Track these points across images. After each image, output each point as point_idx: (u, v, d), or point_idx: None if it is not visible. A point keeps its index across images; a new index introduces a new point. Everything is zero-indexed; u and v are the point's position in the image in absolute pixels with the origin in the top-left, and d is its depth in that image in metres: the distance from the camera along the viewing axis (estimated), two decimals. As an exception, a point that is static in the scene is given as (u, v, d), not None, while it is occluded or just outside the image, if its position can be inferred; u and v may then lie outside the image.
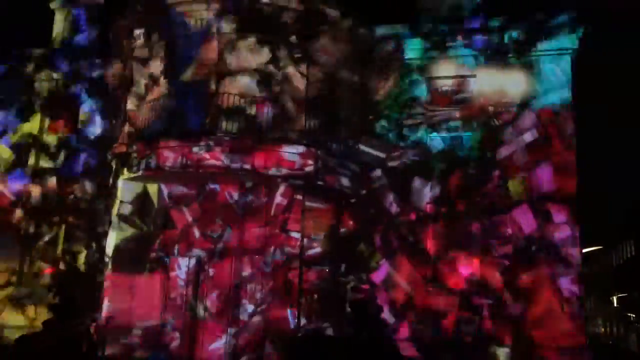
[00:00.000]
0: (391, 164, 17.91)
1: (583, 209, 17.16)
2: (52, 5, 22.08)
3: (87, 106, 20.36)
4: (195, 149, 15.59)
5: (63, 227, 19.75)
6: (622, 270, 45.08)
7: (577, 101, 17.52)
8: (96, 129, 20.07)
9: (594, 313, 49.50)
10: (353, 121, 17.85)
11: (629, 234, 42.62)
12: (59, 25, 21.86)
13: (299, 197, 16.20)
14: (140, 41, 17.67)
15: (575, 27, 17.49)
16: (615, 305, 45.19)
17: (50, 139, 20.66)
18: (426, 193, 17.44)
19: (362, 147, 17.93)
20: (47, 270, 19.53)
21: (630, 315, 41.33)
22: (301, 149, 16.10)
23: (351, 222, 17.32)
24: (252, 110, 16.22)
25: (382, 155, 17.92)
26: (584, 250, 23.68)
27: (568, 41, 17.58)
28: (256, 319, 15.51)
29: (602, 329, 49.23)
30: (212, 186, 16.32)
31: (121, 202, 16.87)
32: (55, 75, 20.79)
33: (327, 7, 17.12)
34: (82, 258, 19.17)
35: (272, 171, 15.88)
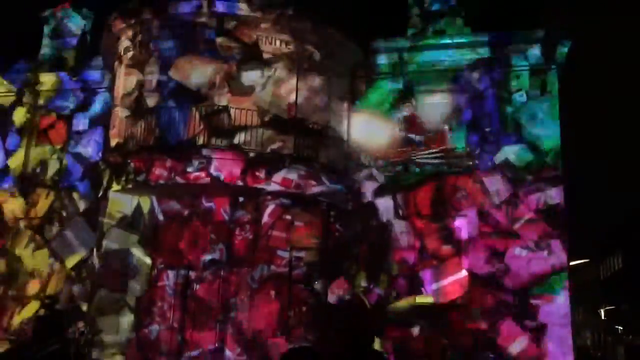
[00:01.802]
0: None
1: (570, 222, 17.37)
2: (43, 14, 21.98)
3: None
4: (185, 163, 15.49)
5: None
6: (610, 283, 45.35)
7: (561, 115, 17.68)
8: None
9: (581, 325, 49.64)
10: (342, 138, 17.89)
11: (616, 247, 42.92)
12: (47, 37, 21.76)
13: (288, 211, 16.13)
14: (130, 52, 17.59)
15: (561, 41, 17.66)
16: (603, 317, 45.39)
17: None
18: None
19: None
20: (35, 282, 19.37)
21: (618, 328, 41.52)
22: (292, 171, 16.05)
23: (337, 236, 17.30)
24: (243, 126, 16.14)
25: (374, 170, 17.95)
26: (572, 263, 23.80)
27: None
28: (242, 335, 15.41)
29: (590, 342, 49.36)
30: (201, 200, 16.28)
31: (111, 213, 16.76)
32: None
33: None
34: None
35: (262, 187, 15.83)
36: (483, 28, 18.44)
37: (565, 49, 17.74)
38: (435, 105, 18.24)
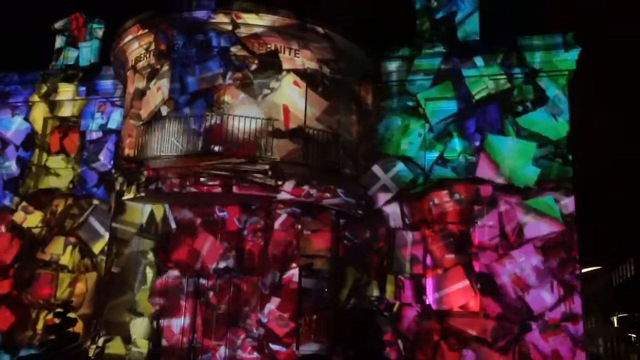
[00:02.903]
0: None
1: (582, 229, 17.28)
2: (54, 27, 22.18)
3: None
4: (199, 172, 15.56)
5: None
6: (622, 290, 45.01)
7: (573, 117, 17.66)
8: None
9: (594, 333, 49.31)
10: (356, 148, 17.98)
11: (628, 254, 42.61)
12: (60, 48, 21.97)
13: (298, 219, 16.17)
14: (142, 61, 17.73)
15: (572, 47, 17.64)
16: (616, 325, 45.04)
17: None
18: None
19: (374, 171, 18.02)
20: (45, 291, 19.51)
21: (631, 336, 41.19)
22: (307, 181, 16.13)
23: (347, 243, 17.32)
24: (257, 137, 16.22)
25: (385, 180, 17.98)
26: (584, 270, 23.66)
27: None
28: (254, 342, 15.45)
29: (603, 350, 48.97)
30: (214, 209, 16.39)
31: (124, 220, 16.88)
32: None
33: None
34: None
35: (273, 195, 15.91)
36: (491, 34, 18.54)
37: (575, 55, 17.70)
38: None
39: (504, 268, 16.74)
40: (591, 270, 38.82)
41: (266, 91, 16.64)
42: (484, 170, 17.49)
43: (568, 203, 16.90)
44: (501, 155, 17.51)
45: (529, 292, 16.47)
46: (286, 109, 16.51)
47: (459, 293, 17.01)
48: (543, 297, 16.41)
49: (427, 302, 17.06)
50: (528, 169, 17.27)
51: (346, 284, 17.14)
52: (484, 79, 18.14)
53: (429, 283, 17.24)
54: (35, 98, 21.14)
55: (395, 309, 17.09)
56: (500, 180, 17.32)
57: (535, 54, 17.87)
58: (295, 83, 16.81)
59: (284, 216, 16.01)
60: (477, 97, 18.10)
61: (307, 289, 16.32)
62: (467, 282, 16.99)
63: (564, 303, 16.32)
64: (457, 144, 18.16)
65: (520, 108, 17.79)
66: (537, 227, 16.83)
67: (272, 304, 15.46)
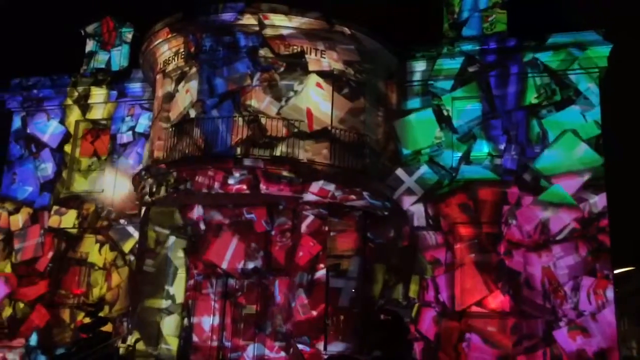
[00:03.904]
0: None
1: (615, 229, 16.97)
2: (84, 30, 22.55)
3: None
4: (227, 174, 15.72)
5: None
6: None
7: (605, 115, 17.36)
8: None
9: (627, 336, 48.40)
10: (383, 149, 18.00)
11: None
12: (91, 52, 22.33)
13: (325, 220, 16.23)
14: (172, 64, 17.93)
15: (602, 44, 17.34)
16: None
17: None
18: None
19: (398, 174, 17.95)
20: (77, 290, 19.87)
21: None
22: (333, 182, 16.15)
23: (373, 243, 17.31)
24: (282, 137, 16.30)
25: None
26: (616, 271, 23.23)
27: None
28: (281, 341, 15.54)
29: (637, 353, 48.07)
30: (242, 209, 16.55)
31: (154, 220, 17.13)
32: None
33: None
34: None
35: (299, 196, 16.00)
36: (514, 33, 18.29)
37: (607, 52, 17.39)
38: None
39: (532, 267, 16.56)
40: (625, 271, 38.07)
41: (290, 94, 16.73)
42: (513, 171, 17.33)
43: (597, 201, 16.62)
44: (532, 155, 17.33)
45: (559, 289, 16.24)
46: (310, 112, 16.57)
47: (484, 293, 16.88)
48: (573, 295, 16.17)
49: (449, 302, 16.92)
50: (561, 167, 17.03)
51: (377, 284, 17.13)
52: (511, 78, 17.92)
53: (452, 283, 17.08)
54: (68, 102, 21.55)
55: (415, 308, 17.03)
56: (529, 179, 17.13)
57: (566, 51, 17.56)
58: (318, 85, 16.85)
59: (310, 217, 16.06)
60: (503, 97, 17.90)
61: (334, 289, 16.37)
62: (492, 283, 16.88)
63: (596, 302, 16.05)
64: (482, 145, 17.98)
65: (549, 108, 17.52)
66: (559, 219, 16.63)
67: (300, 304, 15.51)
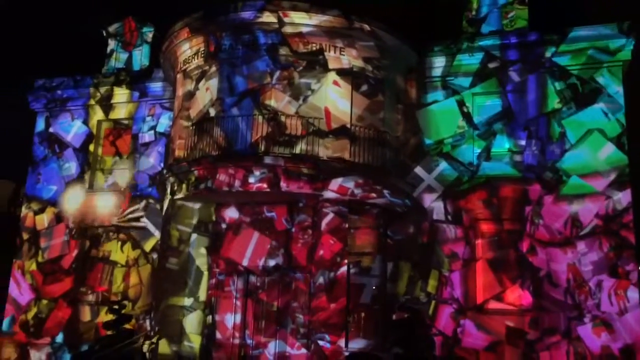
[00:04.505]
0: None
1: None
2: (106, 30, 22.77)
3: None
4: (248, 172, 15.81)
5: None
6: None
7: (629, 110, 17.07)
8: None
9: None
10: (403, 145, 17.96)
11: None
12: (113, 51, 22.55)
13: (345, 218, 16.23)
14: (192, 63, 18.04)
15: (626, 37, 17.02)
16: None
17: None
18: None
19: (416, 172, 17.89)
20: (101, 288, 20.14)
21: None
22: (354, 179, 16.15)
23: (392, 239, 17.27)
24: (302, 134, 16.32)
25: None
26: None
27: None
28: (303, 338, 15.59)
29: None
30: (263, 207, 16.67)
31: (176, 218, 17.27)
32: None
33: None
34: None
35: (319, 193, 16.03)
36: (540, 25, 18.02)
37: (631, 45, 17.04)
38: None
39: (556, 263, 16.40)
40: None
41: (309, 92, 16.78)
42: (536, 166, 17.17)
43: (622, 197, 16.36)
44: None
45: (583, 285, 16.08)
46: (328, 110, 16.58)
47: (503, 289, 16.80)
48: (598, 291, 15.98)
49: (466, 298, 16.82)
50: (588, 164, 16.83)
51: (397, 280, 17.10)
52: (532, 74, 17.70)
53: (469, 279, 16.97)
54: (92, 102, 21.81)
55: (433, 304, 16.97)
56: (551, 177, 16.96)
57: (588, 45, 17.24)
58: (335, 83, 16.84)
59: (330, 215, 16.07)
60: (524, 93, 17.70)
61: (355, 286, 16.38)
62: (511, 279, 16.79)
63: (620, 298, 15.84)
64: (503, 141, 17.82)
65: (570, 104, 17.26)
66: (588, 211, 16.46)
67: (321, 301, 15.55)
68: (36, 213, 21.53)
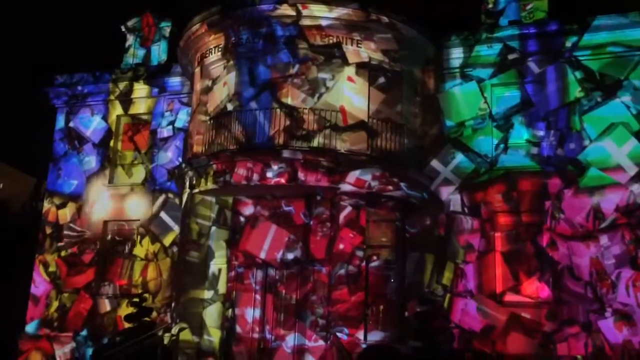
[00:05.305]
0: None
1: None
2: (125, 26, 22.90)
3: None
4: (266, 166, 15.86)
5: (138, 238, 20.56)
6: None
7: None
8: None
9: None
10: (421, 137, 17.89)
11: None
12: (131, 47, 22.69)
13: (362, 210, 16.22)
14: (210, 57, 18.09)
15: None
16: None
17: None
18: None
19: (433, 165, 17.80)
20: (121, 281, 20.35)
21: None
22: (371, 172, 16.12)
23: (410, 232, 17.24)
24: (319, 128, 16.32)
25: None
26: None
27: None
28: (321, 331, 15.63)
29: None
30: (281, 201, 16.71)
31: (196, 212, 17.37)
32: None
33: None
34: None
35: (336, 186, 16.03)
36: (559, 14, 17.79)
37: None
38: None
39: (577, 257, 16.24)
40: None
41: (326, 84, 16.73)
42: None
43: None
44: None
45: (605, 278, 15.91)
46: (343, 109, 16.56)
47: (522, 282, 16.72)
48: (619, 283, 15.79)
49: (483, 290, 16.74)
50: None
51: (415, 273, 17.07)
52: (551, 65, 17.48)
53: (487, 271, 16.87)
54: (111, 97, 21.98)
55: (448, 297, 16.89)
56: (571, 170, 16.77)
57: (609, 35, 16.97)
58: (350, 79, 16.79)
59: (348, 208, 16.07)
60: (543, 84, 17.49)
61: (373, 278, 16.38)
62: (530, 272, 16.70)
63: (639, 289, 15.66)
64: (521, 132, 17.65)
65: (592, 95, 17.00)
66: (609, 201, 16.27)
67: (339, 294, 15.57)
68: (58, 207, 21.78)
